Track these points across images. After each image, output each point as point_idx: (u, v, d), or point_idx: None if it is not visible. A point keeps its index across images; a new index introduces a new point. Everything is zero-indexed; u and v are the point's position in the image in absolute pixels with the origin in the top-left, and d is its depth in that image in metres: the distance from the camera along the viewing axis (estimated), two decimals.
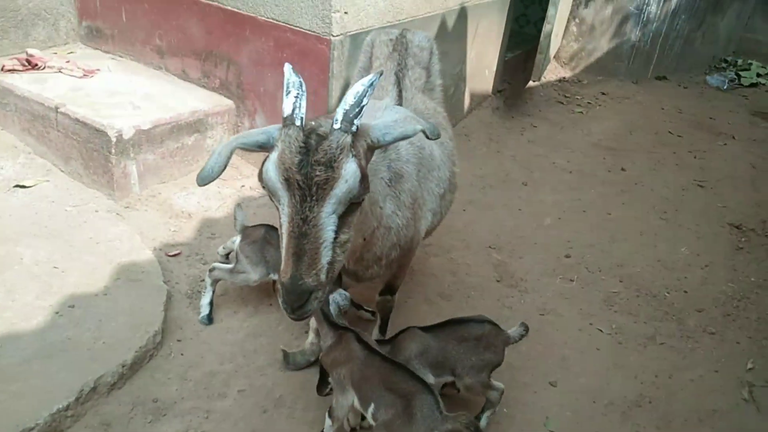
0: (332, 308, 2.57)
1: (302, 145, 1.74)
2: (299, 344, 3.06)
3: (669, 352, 3.43)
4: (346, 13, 3.62)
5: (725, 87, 7.90)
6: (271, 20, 3.82)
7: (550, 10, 5.88)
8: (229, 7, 3.98)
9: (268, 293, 3.32)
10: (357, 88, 1.78)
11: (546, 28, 5.90)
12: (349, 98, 1.76)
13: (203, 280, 3.37)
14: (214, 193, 4.07)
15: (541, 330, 3.46)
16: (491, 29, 5.61)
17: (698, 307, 3.80)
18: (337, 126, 1.75)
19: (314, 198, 1.72)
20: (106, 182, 3.72)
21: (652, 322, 3.64)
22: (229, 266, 3.11)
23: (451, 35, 4.92)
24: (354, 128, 1.77)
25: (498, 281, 3.82)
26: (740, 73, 8.24)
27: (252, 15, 3.89)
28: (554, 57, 7.53)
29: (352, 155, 1.75)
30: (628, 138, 6.16)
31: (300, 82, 1.81)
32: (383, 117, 2.00)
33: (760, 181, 5.55)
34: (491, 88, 6.15)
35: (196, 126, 4.02)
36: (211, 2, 4.05)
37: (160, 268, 3.31)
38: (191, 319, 3.15)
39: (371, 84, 1.78)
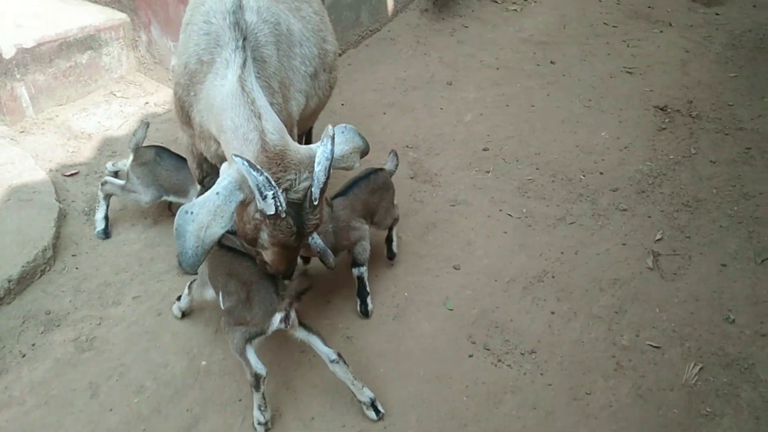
0: None
1: (293, 228, 1.94)
2: None
3: (578, 230, 3.45)
4: None
5: None
6: None
7: None
8: None
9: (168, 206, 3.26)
10: (324, 165, 1.91)
11: None
12: (321, 177, 1.92)
13: None
14: (116, 112, 3.94)
15: (449, 219, 3.46)
16: None
17: (612, 187, 3.81)
18: (316, 202, 1.95)
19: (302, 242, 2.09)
20: None
21: (564, 204, 3.65)
22: (122, 182, 3.04)
23: None
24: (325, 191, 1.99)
25: (411, 178, 3.79)
26: None
27: None
28: None
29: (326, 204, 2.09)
30: (562, 32, 6.01)
31: (267, 178, 1.81)
32: (337, 140, 2.12)
33: (692, 65, 5.47)
34: None
35: (89, 42, 3.84)
36: None
37: (55, 188, 3.24)
38: (88, 234, 3.10)
39: (332, 154, 1.92)
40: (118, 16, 4.01)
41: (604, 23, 6.28)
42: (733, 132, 4.41)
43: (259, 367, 2.22)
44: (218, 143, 2.27)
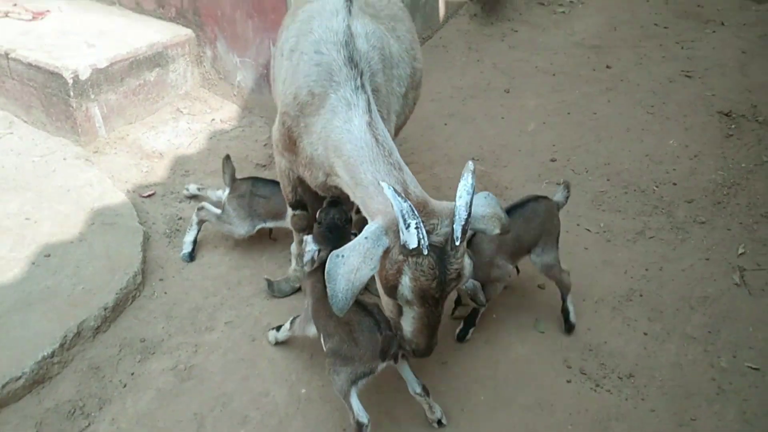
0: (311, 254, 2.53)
1: (435, 271, 1.87)
2: (283, 272, 3.03)
3: (659, 245, 3.40)
4: None
5: None
6: None
7: None
8: None
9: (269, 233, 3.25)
10: (465, 199, 1.86)
11: None
12: (462, 212, 1.86)
13: (180, 218, 3.32)
14: (184, 130, 3.94)
15: None
16: None
17: (688, 198, 3.74)
18: (458, 243, 1.88)
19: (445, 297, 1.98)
20: (70, 128, 3.59)
21: (640, 217, 3.59)
22: (218, 211, 3.04)
23: None
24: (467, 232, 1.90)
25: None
26: None
27: None
28: None
29: (466, 254, 1.95)
30: (613, 34, 5.92)
31: (410, 207, 1.79)
32: (479, 202, 2.08)
33: (750, 66, 5.36)
34: None
35: (157, 60, 3.85)
36: None
37: (135, 209, 3.24)
38: (172, 257, 3.10)
39: (473, 189, 1.87)
40: (184, 32, 4.00)
41: (655, 24, 6.18)
42: None
43: (362, 414, 2.18)
44: (327, 175, 2.26)
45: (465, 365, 2.69)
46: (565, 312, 2.82)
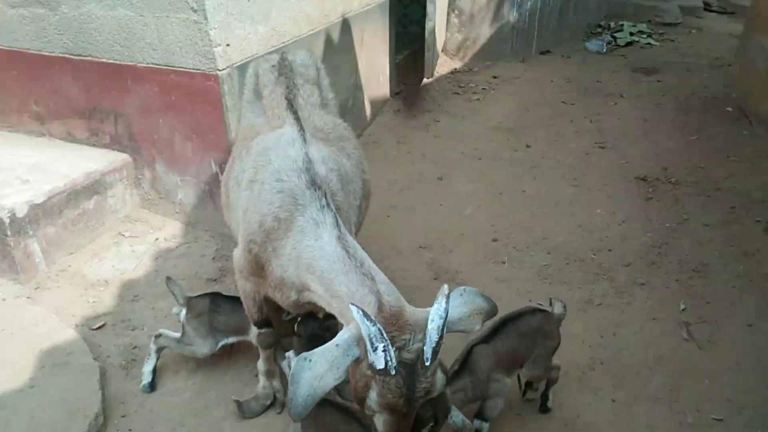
0: None
1: (402, 390, 1.85)
2: (251, 390, 2.95)
3: (607, 311, 3.56)
4: (228, 45, 3.54)
5: (604, 50, 8.35)
6: (151, 66, 3.67)
7: (429, 7, 6.01)
8: (105, 60, 3.80)
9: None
10: (437, 323, 1.83)
11: (428, 25, 6.01)
12: (434, 336, 1.84)
13: (135, 347, 3.21)
14: (127, 254, 3.87)
15: None
16: (376, 35, 5.66)
17: (624, 262, 3.97)
18: (428, 363, 1.85)
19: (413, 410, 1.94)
20: (8, 267, 3.46)
21: (585, 286, 3.77)
22: (177, 335, 2.96)
23: (339, 48, 4.92)
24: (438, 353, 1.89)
25: (435, 279, 3.84)
26: (615, 35, 8.73)
27: (130, 64, 3.73)
28: (442, 51, 7.69)
29: (439, 368, 1.93)
30: (526, 116, 6.38)
31: (379, 329, 1.78)
32: (454, 303, 2.05)
33: (654, 133, 5.89)
34: (389, 91, 6.21)
35: (95, 188, 3.81)
36: (83, 57, 3.85)
37: (87, 344, 3.11)
38: (131, 390, 2.97)
39: (446, 313, 1.84)
40: (120, 157, 4.01)
41: (562, 102, 6.72)
42: (713, 193, 4.73)
43: None
44: (299, 292, 2.28)
45: None
46: (544, 397, 2.88)
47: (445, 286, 1.89)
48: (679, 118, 6.15)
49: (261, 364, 2.88)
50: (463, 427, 2.41)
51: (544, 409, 2.87)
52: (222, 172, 3.78)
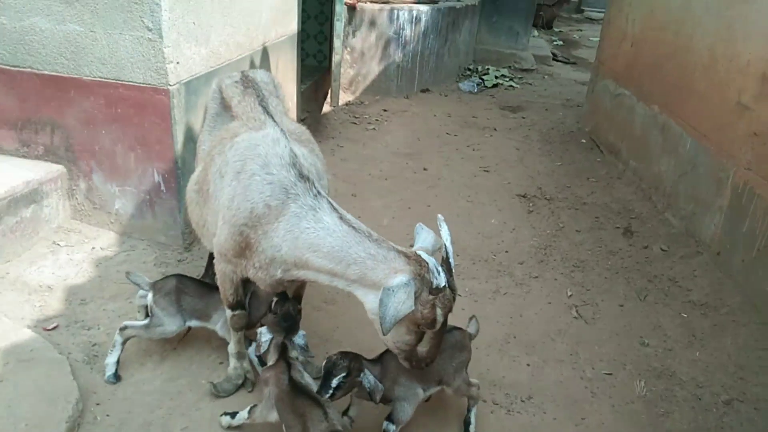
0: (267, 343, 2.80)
1: (454, 294, 2.49)
2: (219, 374, 3.19)
3: (512, 298, 4.24)
4: (178, 63, 3.82)
5: (475, 90, 9.42)
6: (98, 79, 3.83)
7: (336, 43, 6.58)
8: (46, 72, 3.88)
9: (169, 339, 3.35)
10: (449, 240, 2.57)
11: (335, 58, 6.57)
12: (449, 248, 2.56)
13: (95, 344, 3.31)
14: (66, 261, 3.90)
15: None
16: (287, 65, 6.10)
17: (519, 261, 4.71)
18: (453, 269, 2.54)
19: None
20: None
21: (492, 280, 4.43)
22: (143, 322, 3.11)
23: None
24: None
25: None
26: (483, 77, 9.88)
27: (75, 76, 3.86)
28: None
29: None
30: (419, 143, 7.11)
31: (434, 261, 2.44)
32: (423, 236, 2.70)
33: (526, 159, 6.86)
34: (295, 117, 6.62)
35: (33, 196, 3.84)
36: (22, 69, 3.91)
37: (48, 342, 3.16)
38: (100, 382, 3.08)
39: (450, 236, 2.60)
40: (55, 168, 4.05)
41: (447, 133, 7.56)
42: (581, 207, 5.68)
43: None
44: (285, 271, 2.60)
45: None
46: (466, 423, 3.00)
47: (440, 215, 2.55)
48: (544, 148, 7.22)
49: (232, 347, 3.14)
50: (374, 388, 2.59)
51: None
52: (164, 182, 4.00)
